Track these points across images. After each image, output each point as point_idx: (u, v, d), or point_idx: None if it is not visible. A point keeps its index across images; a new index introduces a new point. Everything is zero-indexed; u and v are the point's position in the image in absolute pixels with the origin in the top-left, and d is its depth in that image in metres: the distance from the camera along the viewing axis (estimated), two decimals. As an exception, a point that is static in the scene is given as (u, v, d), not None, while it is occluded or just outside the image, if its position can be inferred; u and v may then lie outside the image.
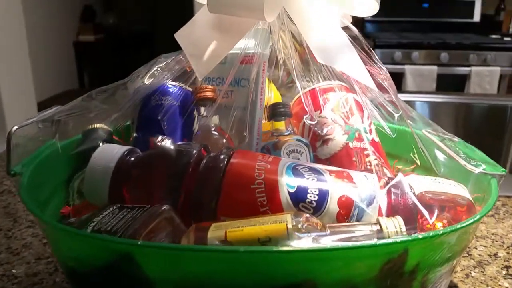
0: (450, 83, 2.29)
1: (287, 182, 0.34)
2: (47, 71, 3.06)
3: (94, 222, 0.34)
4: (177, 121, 0.49)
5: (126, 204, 0.37)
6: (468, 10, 2.65)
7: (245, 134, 0.48)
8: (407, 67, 2.20)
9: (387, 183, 0.36)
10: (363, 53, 0.41)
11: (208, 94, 0.48)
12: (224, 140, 0.47)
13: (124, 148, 0.40)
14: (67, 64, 3.42)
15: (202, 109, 0.49)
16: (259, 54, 0.47)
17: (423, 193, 0.38)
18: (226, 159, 0.37)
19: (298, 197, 0.34)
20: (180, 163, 0.37)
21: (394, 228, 0.30)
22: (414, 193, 0.36)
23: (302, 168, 0.36)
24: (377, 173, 0.44)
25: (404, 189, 0.35)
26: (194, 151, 0.37)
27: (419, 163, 0.49)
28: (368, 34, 2.45)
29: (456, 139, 0.48)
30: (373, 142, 0.48)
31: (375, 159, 0.46)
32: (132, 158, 0.39)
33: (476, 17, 2.65)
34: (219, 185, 0.35)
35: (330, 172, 0.36)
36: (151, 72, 0.49)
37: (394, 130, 0.49)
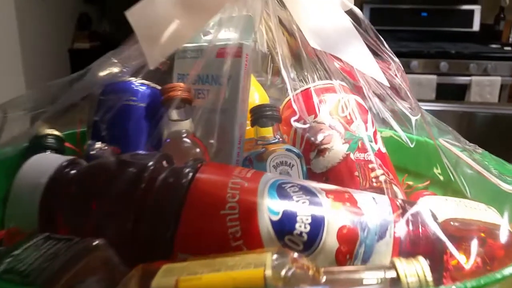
0: (450, 93, 2.24)
1: (270, 206, 0.26)
2: (42, 78, 2.98)
3: (11, 257, 0.26)
4: (142, 126, 0.40)
5: (59, 232, 0.29)
6: (467, 20, 2.60)
7: (223, 142, 0.39)
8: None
9: (403, 208, 0.28)
10: (370, 41, 0.33)
11: (180, 93, 0.39)
12: (198, 150, 0.38)
13: (63, 158, 0.31)
14: (62, 71, 3.34)
15: (174, 112, 0.40)
16: (240, 45, 0.39)
17: (448, 221, 0.29)
18: (190, 174, 0.28)
19: (284, 227, 0.25)
20: (128, 178, 0.28)
21: (416, 276, 0.21)
22: (437, 222, 0.27)
23: (291, 186, 0.27)
24: (387, 193, 0.36)
25: (425, 216, 0.27)
26: (150, 163, 0.29)
27: (441, 179, 0.41)
28: (366, 42, 2.38)
29: (480, 150, 0.39)
30: (379, 153, 0.39)
31: (383, 174, 0.37)
32: (72, 172, 0.30)
33: (476, 27, 2.60)
34: (178, 209, 0.26)
35: (328, 192, 0.27)
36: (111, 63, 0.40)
37: (409, 138, 0.41)
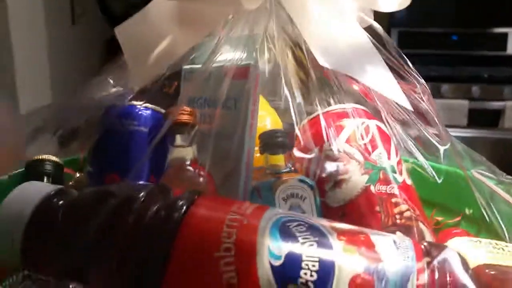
0: (482, 118, 2.15)
1: (271, 249, 0.22)
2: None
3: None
4: (144, 152, 0.37)
5: (41, 269, 0.26)
6: (500, 43, 2.52)
7: (230, 170, 0.36)
8: (436, 101, 2.06)
9: (429, 253, 0.24)
10: (393, 61, 0.30)
11: (185, 118, 0.36)
12: (202, 179, 0.35)
13: (51, 187, 0.28)
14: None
15: (178, 137, 0.37)
16: (248, 65, 0.36)
17: (482, 268, 0.25)
18: (184, 207, 0.25)
19: (286, 274, 0.21)
20: (115, 210, 0.25)
21: None
22: (469, 270, 0.23)
23: (297, 225, 0.24)
24: (412, 234, 0.32)
25: (454, 263, 0.23)
26: (141, 194, 0.26)
27: (469, 213, 0.36)
28: (394, 66, 2.34)
29: (518, 183, 0.35)
30: (404, 186, 0.35)
31: (408, 209, 0.33)
32: (60, 203, 0.28)
33: (510, 50, 2.51)
34: (167, 249, 0.23)
35: (340, 233, 0.23)
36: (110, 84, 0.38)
37: (436, 169, 0.37)
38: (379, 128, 0.38)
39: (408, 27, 2.48)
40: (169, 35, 0.27)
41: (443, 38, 2.48)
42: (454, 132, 0.37)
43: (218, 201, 0.26)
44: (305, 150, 0.38)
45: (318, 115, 0.39)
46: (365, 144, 0.36)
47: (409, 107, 0.27)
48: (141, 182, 0.32)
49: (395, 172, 0.35)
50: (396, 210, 0.33)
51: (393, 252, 0.23)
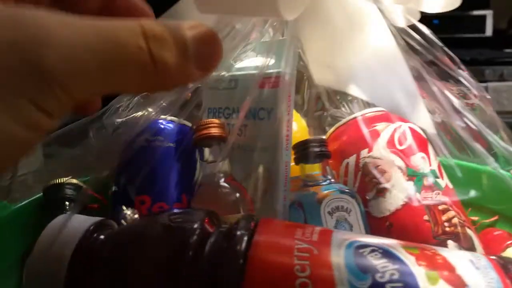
0: (466, 101, 2.17)
1: (352, 283, 0.21)
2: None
3: None
4: (170, 170, 0.35)
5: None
6: (479, 25, 2.54)
7: (266, 185, 0.34)
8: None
9: (507, 269, 0.22)
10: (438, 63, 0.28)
11: (214, 131, 0.34)
12: (238, 195, 0.33)
13: (89, 221, 0.26)
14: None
15: (207, 151, 0.35)
16: (281, 73, 0.34)
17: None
18: (245, 239, 0.23)
19: (373, 309, 0.20)
20: (171, 245, 0.23)
21: None
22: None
23: (371, 251, 0.22)
24: (462, 241, 0.31)
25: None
26: (196, 224, 0.24)
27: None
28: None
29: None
30: (447, 190, 0.34)
31: (454, 216, 0.32)
32: (101, 237, 0.25)
33: (488, 32, 2.54)
34: (237, 285, 0.21)
35: (417, 257, 0.22)
36: (135, 102, 0.36)
37: (466, 167, 0.35)
38: (413, 131, 0.36)
39: (390, 12, 2.48)
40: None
41: (425, 22, 2.49)
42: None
43: (277, 228, 0.25)
44: (340, 157, 0.37)
45: (351, 119, 0.37)
46: (404, 149, 0.35)
47: (433, 130, 0.24)
48: (187, 210, 0.30)
49: (437, 177, 0.34)
50: (444, 217, 0.32)
51: (475, 275, 0.21)
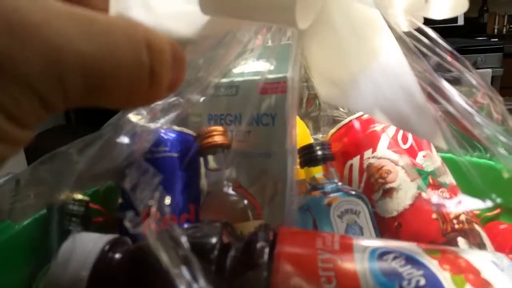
0: (442, 89, 2.22)
1: (380, 291, 0.21)
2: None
3: None
4: (176, 180, 0.35)
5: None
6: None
7: (272, 190, 0.34)
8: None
9: (525, 267, 0.23)
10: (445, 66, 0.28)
11: (218, 138, 0.34)
12: (246, 202, 0.33)
13: (103, 239, 0.25)
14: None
15: (211, 159, 0.35)
16: (284, 79, 0.34)
17: None
18: (267, 251, 0.23)
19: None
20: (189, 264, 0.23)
21: None
22: None
23: (394, 258, 0.22)
24: (470, 237, 0.31)
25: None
26: (214, 239, 0.24)
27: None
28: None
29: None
30: (452, 187, 0.34)
31: (462, 212, 0.33)
32: (116, 256, 0.25)
33: (460, 21, 2.60)
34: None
35: (440, 261, 0.22)
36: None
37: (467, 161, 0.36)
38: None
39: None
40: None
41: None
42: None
43: (297, 237, 0.25)
44: (343, 158, 0.37)
45: (352, 120, 0.38)
46: (407, 148, 0.35)
47: (444, 146, 0.24)
48: (203, 224, 0.29)
49: (442, 174, 0.35)
50: (452, 215, 0.32)
51: (501, 277, 0.22)
